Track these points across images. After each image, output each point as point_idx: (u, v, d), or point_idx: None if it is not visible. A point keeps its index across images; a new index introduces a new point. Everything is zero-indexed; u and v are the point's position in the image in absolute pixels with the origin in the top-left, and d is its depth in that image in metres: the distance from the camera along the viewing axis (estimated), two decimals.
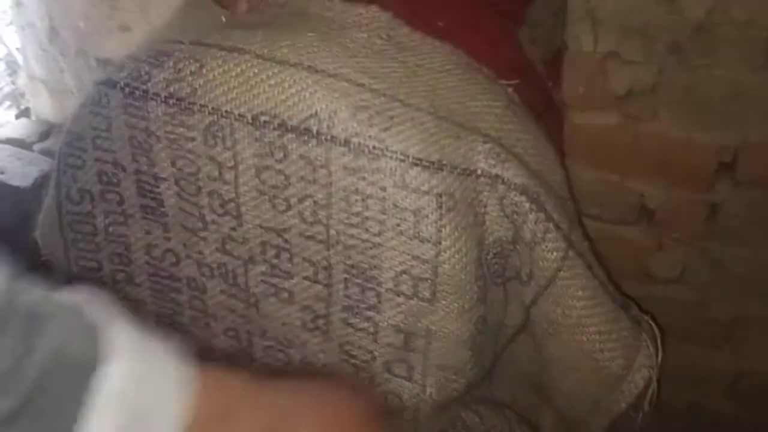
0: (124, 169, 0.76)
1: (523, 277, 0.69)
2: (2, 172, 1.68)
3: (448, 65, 0.73)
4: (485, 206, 0.66)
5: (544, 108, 0.92)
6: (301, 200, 0.68)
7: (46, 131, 1.80)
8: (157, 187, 0.75)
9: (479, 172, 0.67)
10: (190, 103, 0.70)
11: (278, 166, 0.67)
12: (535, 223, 0.68)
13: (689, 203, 1.03)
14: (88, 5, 1.58)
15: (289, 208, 0.69)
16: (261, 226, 0.71)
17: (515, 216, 0.68)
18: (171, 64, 0.73)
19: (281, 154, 0.67)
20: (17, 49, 2.46)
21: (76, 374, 0.39)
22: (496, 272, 0.69)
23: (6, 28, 2.64)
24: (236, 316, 0.77)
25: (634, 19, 0.94)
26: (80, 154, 0.78)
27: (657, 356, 0.82)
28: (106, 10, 1.59)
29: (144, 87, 0.74)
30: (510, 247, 0.68)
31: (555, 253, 0.69)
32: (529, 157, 0.71)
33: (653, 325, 0.90)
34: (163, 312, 0.82)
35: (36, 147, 1.75)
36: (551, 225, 0.68)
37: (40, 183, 1.62)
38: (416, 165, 0.64)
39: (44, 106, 1.87)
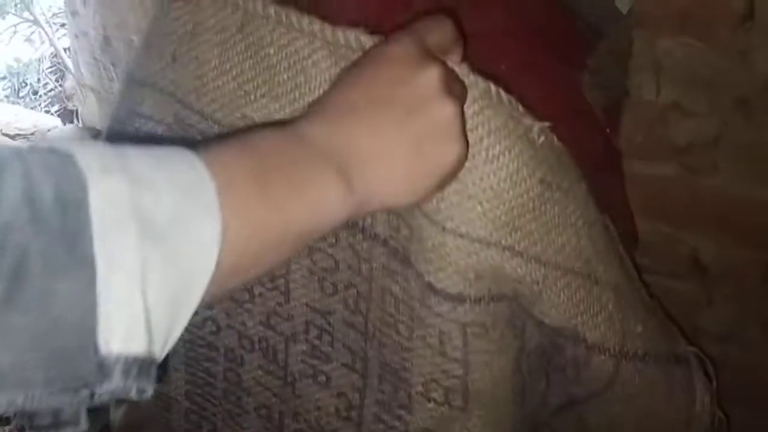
0: None
1: (570, 375, 0.64)
2: None
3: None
4: (523, 324, 0.62)
5: (605, 156, 0.90)
6: (347, 287, 0.66)
7: (93, 138, 1.83)
8: None
9: (510, 295, 0.60)
10: None
11: (329, 250, 0.65)
12: (574, 356, 0.63)
13: (745, 261, 1.00)
14: (142, 20, 1.60)
15: (335, 292, 0.67)
16: (307, 305, 0.69)
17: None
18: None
19: (333, 239, 0.65)
20: (65, 50, 2.51)
21: (66, 205, 0.32)
22: (538, 370, 0.65)
23: (56, 30, 2.69)
24: (271, 393, 0.74)
25: (700, 71, 0.92)
26: None
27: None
28: None
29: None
30: (552, 349, 0.64)
31: (602, 373, 0.64)
32: (571, 261, 0.61)
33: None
34: (194, 381, 0.79)
35: None
36: (594, 352, 0.63)
37: None
38: (436, 293, 0.59)
39: (92, 113, 1.90)
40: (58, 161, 0.33)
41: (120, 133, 0.74)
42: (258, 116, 0.64)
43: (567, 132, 0.84)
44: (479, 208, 0.55)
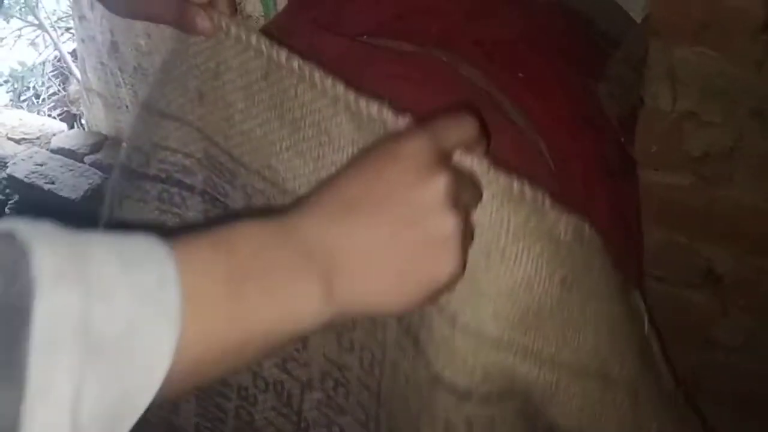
0: None
1: None
2: (52, 182, 1.69)
3: None
4: (535, 413, 0.59)
5: (622, 167, 0.89)
6: (362, 348, 0.64)
7: (99, 143, 1.82)
8: None
9: (521, 395, 0.57)
10: None
11: None
12: None
13: (760, 271, 0.99)
14: (151, 24, 1.59)
15: (352, 349, 0.65)
16: (324, 356, 0.67)
17: None
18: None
19: None
20: (70, 53, 2.51)
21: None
22: None
23: (61, 34, 2.68)
24: None
25: (717, 81, 0.91)
26: None
27: None
28: (167, 30, 1.60)
29: (223, 200, 0.70)
30: None
31: None
32: (586, 361, 0.58)
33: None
34: (205, 414, 0.77)
35: (87, 159, 1.77)
36: None
37: (90, 196, 1.63)
38: (443, 385, 0.56)
39: (98, 119, 1.89)
40: (11, 259, 0.31)
41: (142, 165, 0.73)
42: (283, 169, 0.63)
43: (582, 141, 0.84)
44: (491, 307, 0.53)
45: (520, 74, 0.82)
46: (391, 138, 0.48)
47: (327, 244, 0.43)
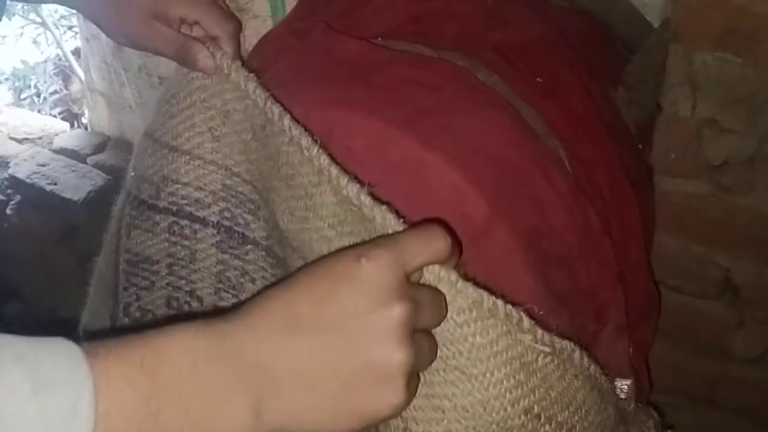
0: (201, 302, 0.70)
1: None
2: (55, 183, 1.67)
3: None
4: None
5: (640, 175, 0.87)
6: None
7: (102, 144, 1.80)
8: None
9: None
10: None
11: None
12: None
13: None
14: None
15: None
16: None
17: None
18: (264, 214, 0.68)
19: None
20: (72, 52, 2.48)
21: None
22: None
23: (63, 33, 2.66)
24: None
25: (739, 87, 0.89)
26: (149, 276, 0.71)
27: None
28: None
29: (242, 231, 0.69)
30: None
31: None
32: None
33: None
34: None
35: (90, 160, 1.75)
36: None
37: (92, 197, 1.61)
38: None
39: (101, 119, 1.87)
40: None
41: (152, 196, 0.72)
42: (281, 218, 0.62)
43: (605, 149, 0.82)
44: (444, 424, 0.50)
45: (539, 80, 0.80)
46: (353, 254, 0.44)
47: (265, 361, 0.41)
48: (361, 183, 0.54)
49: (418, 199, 0.66)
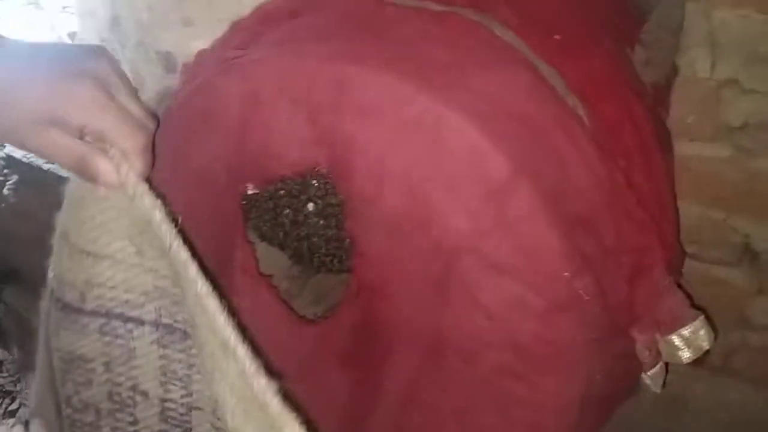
0: (146, 395, 0.64)
1: None
2: (52, 162, 1.64)
3: None
4: None
5: (656, 137, 0.84)
6: None
7: None
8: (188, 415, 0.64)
9: None
10: None
11: None
12: None
13: None
14: None
15: None
16: None
17: None
18: None
19: None
20: (69, 35, 2.44)
21: None
22: None
23: (58, 13, 2.62)
24: None
25: (760, 45, 0.86)
26: (85, 373, 0.65)
27: None
28: (171, 3, 1.54)
29: (182, 327, 0.63)
30: None
31: None
32: None
33: None
34: None
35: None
36: None
37: None
38: None
39: None
40: None
41: (76, 300, 0.63)
42: None
43: (631, 110, 0.79)
44: None
45: (557, 37, 0.77)
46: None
47: None
48: None
49: (434, 157, 0.64)
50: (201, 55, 0.87)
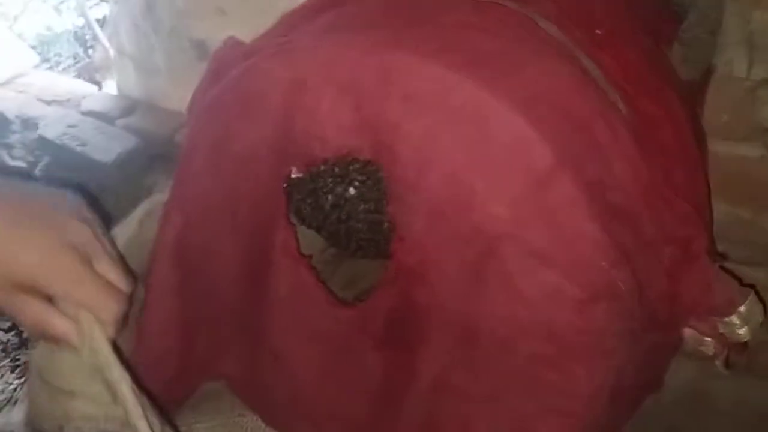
0: None
1: None
2: (84, 145, 1.66)
3: None
4: None
5: (693, 135, 0.85)
6: None
7: (130, 107, 1.78)
8: None
9: None
10: None
11: None
12: None
13: None
14: None
15: None
16: None
17: None
18: None
19: None
20: (98, 21, 2.47)
21: None
22: None
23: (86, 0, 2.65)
24: None
25: None
26: None
27: None
28: None
29: None
30: None
31: None
32: None
33: None
34: None
35: (119, 122, 1.74)
36: None
37: (123, 159, 1.60)
38: None
39: (129, 83, 1.85)
40: None
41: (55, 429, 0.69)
42: None
43: (669, 106, 0.80)
44: None
45: (598, 31, 0.78)
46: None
47: None
48: None
49: (479, 146, 0.65)
50: (230, 42, 0.88)
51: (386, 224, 0.73)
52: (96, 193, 1.66)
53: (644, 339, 0.72)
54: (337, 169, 0.73)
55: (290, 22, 0.85)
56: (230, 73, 0.77)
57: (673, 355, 0.82)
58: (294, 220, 0.78)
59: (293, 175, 0.75)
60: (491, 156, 0.64)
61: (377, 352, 0.77)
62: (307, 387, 0.83)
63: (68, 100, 1.86)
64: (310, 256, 0.79)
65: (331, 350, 0.80)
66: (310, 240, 0.80)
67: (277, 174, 0.76)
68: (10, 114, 1.83)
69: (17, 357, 1.65)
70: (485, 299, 0.68)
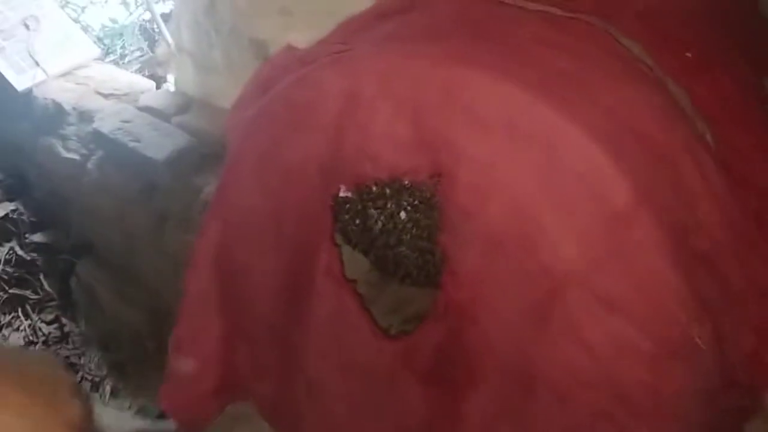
0: None
1: None
2: (138, 141, 1.64)
3: None
4: None
5: None
6: None
7: (186, 104, 1.76)
8: None
9: None
10: None
11: None
12: None
13: None
14: None
15: None
16: None
17: None
18: None
19: None
20: (163, 15, 2.47)
21: None
22: None
23: None
24: None
25: None
26: None
27: None
28: None
29: None
30: None
31: None
32: None
33: None
34: None
35: (174, 120, 1.71)
36: None
37: (175, 157, 1.57)
38: None
39: (187, 80, 1.83)
40: None
41: None
42: None
43: (748, 139, 0.72)
44: None
45: (688, 54, 0.71)
46: None
47: None
48: None
49: (549, 175, 0.59)
50: (288, 48, 0.84)
51: (438, 255, 0.67)
52: (147, 190, 1.64)
53: (721, 399, 0.64)
54: (388, 191, 0.67)
55: (351, 28, 0.80)
56: (284, 80, 0.72)
57: (747, 420, 0.74)
58: (339, 241, 0.73)
59: (341, 194, 0.69)
60: (562, 187, 0.58)
61: (420, 389, 0.71)
62: (341, 419, 0.78)
63: (126, 95, 1.84)
64: (355, 281, 0.73)
65: (370, 383, 0.75)
66: (355, 263, 0.74)
67: (325, 191, 0.70)
68: (68, 105, 1.83)
69: (58, 351, 1.65)
70: (545, 346, 0.62)
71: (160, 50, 2.63)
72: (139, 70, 2.54)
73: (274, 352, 0.82)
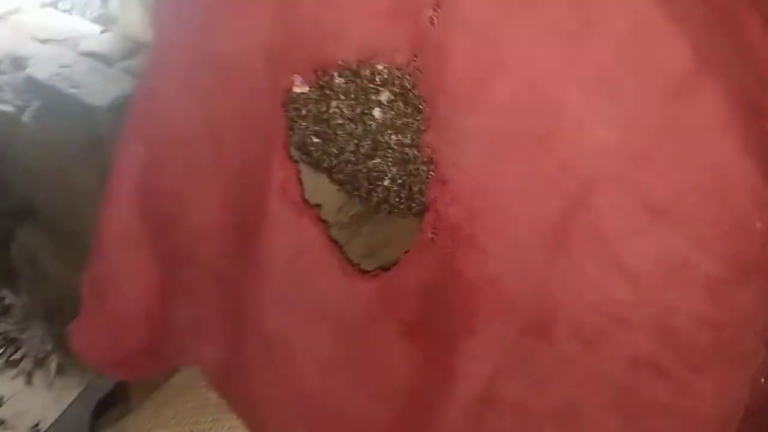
0: None
1: None
2: (77, 87, 1.47)
3: None
4: None
5: None
6: None
7: (133, 49, 1.59)
8: None
9: None
10: None
11: None
12: None
13: None
14: None
15: None
16: None
17: None
18: None
19: None
20: None
21: None
22: None
23: None
24: None
25: None
26: None
27: None
28: None
29: None
30: None
31: None
32: None
33: None
34: None
35: (118, 65, 1.54)
36: None
37: (119, 104, 1.41)
38: None
39: (134, 23, 1.65)
40: None
41: None
42: None
43: None
44: None
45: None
46: None
47: None
48: None
49: (578, 39, 0.43)
50: None
51: (422, 161, 0.51)
52: (90, 143, 1.48)
53: None
54: (357, 80, 0.51)
55: None
56: None
57: None
58: (296, 155, 0.57)
59: (296, 89, 0.53)
60: (595, 55, 0.42)
61: (406, 341, 0.56)
62: (309, 383, 0.63)
63: (66, 40, 1.66)
64: (318, 206, 0.57)
65: (342, 336, 0.60)
66: (317, 182, 0.59)
67: (273, 87, 0.54)
68: (0, 53, 1.64)
69: None
70: (567, 273, 0.47)
71: (112, 5, 2.44)
72: (84, 17, 2.36)
73: (219, 307, 0.67)
